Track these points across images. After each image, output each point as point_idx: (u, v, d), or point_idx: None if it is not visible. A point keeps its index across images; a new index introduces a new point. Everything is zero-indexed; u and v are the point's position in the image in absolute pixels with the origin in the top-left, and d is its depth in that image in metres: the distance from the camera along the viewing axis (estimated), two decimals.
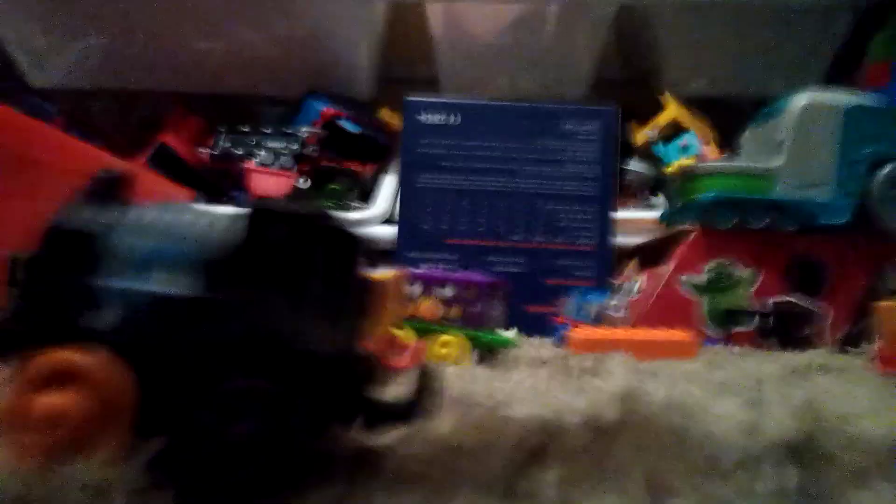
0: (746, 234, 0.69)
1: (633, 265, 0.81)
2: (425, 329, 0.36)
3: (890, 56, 0.81)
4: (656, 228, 0.81)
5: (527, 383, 0.28)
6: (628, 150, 1.00)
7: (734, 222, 0.68)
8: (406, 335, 0.35)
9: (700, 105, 1.03)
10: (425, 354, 0.34)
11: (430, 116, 0.78)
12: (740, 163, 0.72)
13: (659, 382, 0.29)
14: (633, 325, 0.68)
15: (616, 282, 0.78)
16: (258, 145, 0.92)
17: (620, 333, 0.45)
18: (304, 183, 0.91)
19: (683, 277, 0.70)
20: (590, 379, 0.30)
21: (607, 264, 0.76)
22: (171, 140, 0.92)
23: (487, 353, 0.35)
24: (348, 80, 1.03)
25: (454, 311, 0.36)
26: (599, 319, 0.54)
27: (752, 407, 0.25)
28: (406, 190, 0.77)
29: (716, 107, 1.02)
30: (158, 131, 0.94)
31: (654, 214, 0.88)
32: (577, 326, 0.49)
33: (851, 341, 0.71)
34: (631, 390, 0.23)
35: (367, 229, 0.89)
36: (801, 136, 0.70)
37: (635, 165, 0.98)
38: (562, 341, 0.49)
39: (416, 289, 0.36)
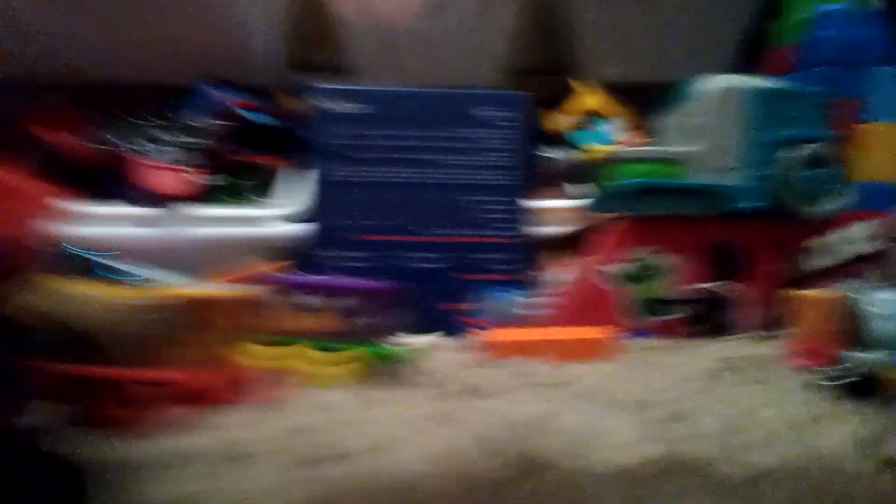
0: (667, 221, 0.67)
1: (552, 258, 0.78)
2: (318, 346, 0.31)
3: (792, 40, 0.82)
4: (576, 218, 0.79)
5: (394, 419, 0.23)
6: (544, 138, 0.98)
7: (654, 209, 0.67)
8: (269, 357, 0.30)
9: (619, 91, 1.02)
10: (277, 384, 0.29)
11: (338, 104, 0.72)
12: (659, 149, 0.70)
13: (553, 409, 0.25)
14: (555, 321, 0.64)
15: (535, 276, 0.75)
16: (151, 138, 0.84)
17: (536, 334, 0.42)
18: (204, 178, 0.83)
19: (605, 268, 0.67)
20: (477, 405, 0.26)
21: (525, 257, 0.73)
22: (45, 133, 0.82)
23: (386, 367, 0.31)
24: (246, 66, 0.95)
25: (350, 324, 0.31)
26: (516, 317, 0.51)
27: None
28: (317, 184, 0.71)
29: (634, 93, 1.01)
30: (31, 124, 0.84)
31: (572, 204, 0.85)
32: (489, 327, 0.45)
33: (772, 325, 0.70)
34: (515, 439, 0.20)
35: (269, 225, 0.82)
36: (714, 120, 0.69)
37: (552, 153, 0.95)
38: (472, 344, 0.45)
39: (313, 300, 0.31)
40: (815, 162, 0.68)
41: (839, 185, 0.67)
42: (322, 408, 0.25)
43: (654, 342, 0.52)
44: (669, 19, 0.97)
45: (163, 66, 0.95)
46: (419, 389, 0.28)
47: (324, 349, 0.31)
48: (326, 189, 0.71)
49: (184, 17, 0.90)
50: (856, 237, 0.61)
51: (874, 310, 0.29)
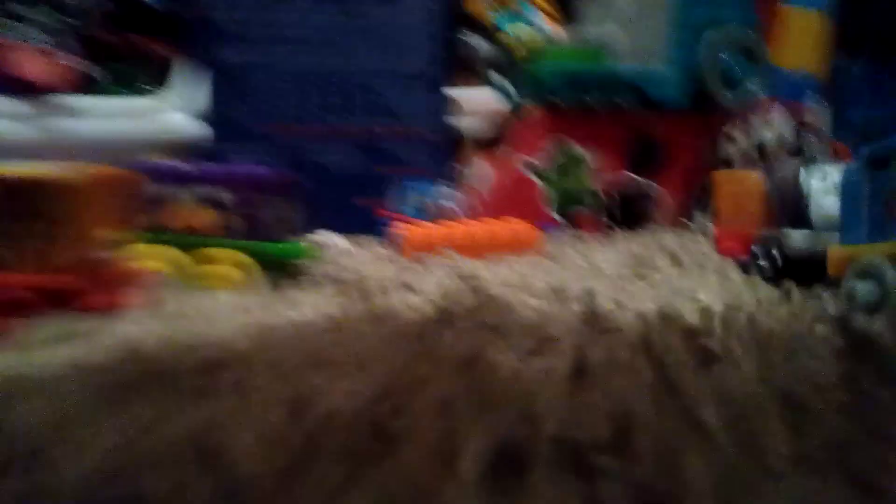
0: (587, 112, 0.64)
1: (471, 151, 0.75)
2: (192, 244, 0.26)
3: None
4: (496, 110, 0.75)
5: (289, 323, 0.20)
6: (464, 22, 0.91)
7: (575, 99, 0.63)
8: (156, 256, 0.26)
9: None
10: (150, 284, 0.25)
11: None
12: (579, 35, 0.66)
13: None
14: (476, 216, 0.62)
15: (455, 170, 0.72)
16: (16, 16, 0.72)
17: (455, 229, 0.39)
18: (81, 64, 0.73)
19: (524, 161, 0.65)
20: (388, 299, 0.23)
21: (443, 150, 0.69)
22: None
23: (282, 270, 0.27)
24: None
25: (235, 220, 0.26)
26: (433, 213, 0.47)
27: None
28: (211, 69, 0.64)
29: None
30: None
31: (493, 95, 0.81)
32: (405, 222, 0.42)
33: (690, 218, 0.70)
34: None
35: (163, 119, 0.74)
36: (637, 3, 0.65)
37: (472, 40, 0.89)
38: (389, 240, 0.42)
39: (184, 193, 0.26)
40: (738, 45, 0.66)
41: (761, 71, 0.66)
42: (200, 314, 0.21)
43: (575, 236, 0.50)
44: None
45: None
46: (322, 291, 0.24)
47: (198, 247, 0.26)
48: (222, 75, 0.63)
49: None
50: (775, 124, 0.61)
51: (819, 185, 0.27)
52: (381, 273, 0.29)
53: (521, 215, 0.50)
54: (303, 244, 0.28)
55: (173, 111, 0.72)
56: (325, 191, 0.66)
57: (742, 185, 0.32)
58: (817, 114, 0.65)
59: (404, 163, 0.66)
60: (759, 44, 0.66)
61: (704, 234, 0.50)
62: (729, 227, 0.33)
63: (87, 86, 0.75)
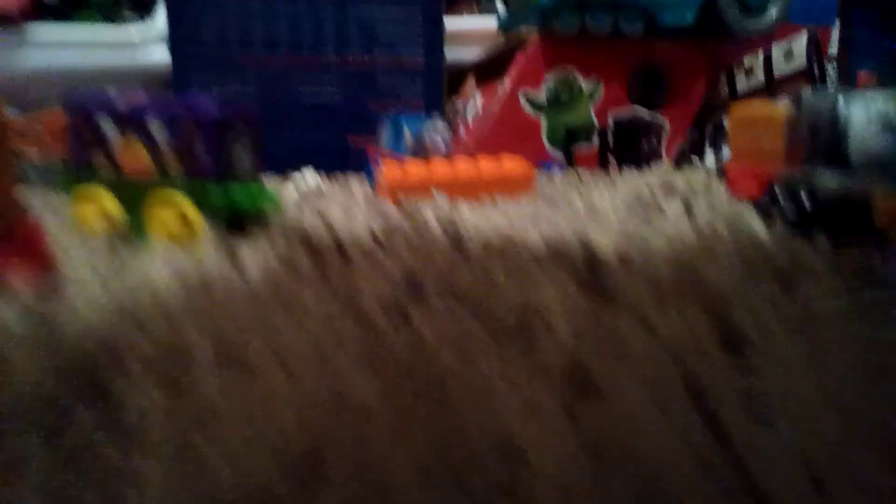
0: (587, 41, 0.59)
1: (468, 82, 0.70)
2: (127, 188, 0.22)
3: None
4: (493, 39, 0.69)
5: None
6: None
7: (576, 25, 0.58)
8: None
9: None
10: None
11: None
12: None
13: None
14: (467, 153, 0.58)
15: (449, 103, 0.67)
16: None
17: (441, 168, 0.35)
18: None
19: (522, 93, 0.60)
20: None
21: (437, 82, 0.64)
22: None
23: (234, 217, 0.23)
24: None
25: (170, 160, 0.22)
26: (425, 149, 0.43)
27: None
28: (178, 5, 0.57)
29: None
30: None
31: (490, 22, 0.75)
32: (389, 160, 0.38)
33: (688, 153, 0.66)
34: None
35: (143, 52, 0.69)
36: None
37: None
38: (378, 182, 0.38)
39: (108, 129, 0.22)
40: None
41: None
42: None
43: (576, 174, 0.46)
44: None
45: None
46: (271, 244, 0.21)
47: (135, 191, 0.23)
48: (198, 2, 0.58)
49: None
50: (794, 52, 0.55)
51: (861, 116, 0.23)
52: (346, 222, 0.25)
53: (518, 151, 0.46)
54: (256, 188, 0.24)
55: (154, 43, 0.67)
56: (313, 127, 0.61)
57: (763, 116, 0.28)
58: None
59: (397, 96, 0.61)
60: None
61: (716, 172, 0.46)
62: (745, 165, 0.29)
63: (64, 14, 0.70)
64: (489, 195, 0.32)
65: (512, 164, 0.36)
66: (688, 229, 0.22)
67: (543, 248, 0.18)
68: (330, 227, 0.22)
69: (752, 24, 0.60)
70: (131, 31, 0.69)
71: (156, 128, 0.21)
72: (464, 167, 0.35)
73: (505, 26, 0.68)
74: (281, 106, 0.58)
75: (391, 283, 0.16)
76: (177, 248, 0.20)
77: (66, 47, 0.67)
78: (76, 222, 0.22)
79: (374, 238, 0.21)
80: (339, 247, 0.20)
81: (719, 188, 0.32)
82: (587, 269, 0.17)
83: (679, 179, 0.38)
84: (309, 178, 0.42)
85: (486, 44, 0.69)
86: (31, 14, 0.64)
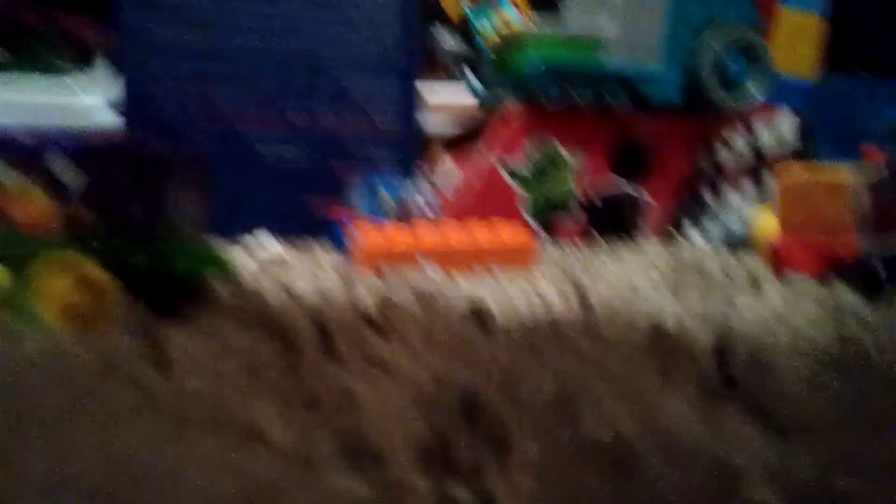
0: (571, 112, 0.56)
1: (442, 150, 0.65)
2: (16, 247, 0.16)
3: None
4: (468, 106, 0.66)
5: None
6: (435, 15, 0.83)
7: (560, 97, 0.55)
8: None
9: None
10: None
11: None
12: (566, 28, 0.59)
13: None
14: (450, 220, 0.53)
15: (423, 171, 0.63)
16: None
17: (429, 236, 0.29)
18: None
19: (500, 161, 0.56)
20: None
21: (410, 148, 0.59)
22: None
23: (170, 293, 0.16)
24: None
25: (82, 211, 0.15)
26: (400, 214, 0.38)
27: None
28: (131, 50, 0.51)
29: None
30: None
31: (465, 90, 0.72)
32: (362, 224, 0.32)
33: (677, 226, 0.63)
34: None
35: (71, 103, 0.62)
36: None
37: (443, 35, 0.80)
38: (345, 248, 0.32)
39: (6, 173, 0.16)
40: (739, 44, 0.59)
41: (763, 75, 0.59)
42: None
43: (569, 248, 0.41)
44: None
45: None
46: (221, 328, 0.14)
47: (27, 252, 0.16)
48: (148, 56, 0.51)
49: None
50: (783, 131, 0.53)
51: None
52: (317, 295, 0.19)
53: (495, 221, 0.40)
54: (200, 249, 0.17)
55: (86, 95, 0.61)
56: (273, 188, 0.55)
57: (824, 183, 0.23)
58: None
59: (366, 159, 0.55)
60: (761, 44, 0.59)
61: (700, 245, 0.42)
62: (799, 238, 0.24)
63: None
64: (486, 266, 0.27)
65: (510, 232, 0.30)
66: (784, 310, 0.16)
67: (642, 336, 0.12)
68: (305, 305, 0.16)
69: (732, 100, 0.58)
70: (54, 82, 0.62)
71: (63, 167, 0.15)
72: (456, 234, 0.29)
73: (485, 98, 0.66)
74: (236, 164, 0.52)
75: (415, 395, 0.10)
76: (68, 331, 0.13)
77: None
78: None
79: (369, 320, 0.15)
80: (322, 332, 0.13)
81: (757, 264, 0.28)
82: (695, 360, 0.11)
83: (695, 255, 0.33)
84: (267, 242, 0.36)
85: (459, 110, 0.66)
86: None
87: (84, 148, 0.15)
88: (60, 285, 0.14)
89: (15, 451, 0.08)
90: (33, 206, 0.16)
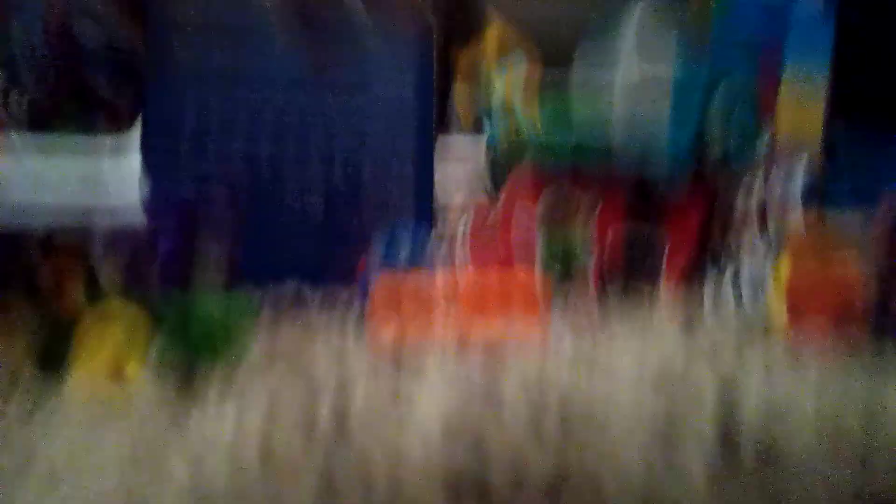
0: (588, 170, 0.58)
1: (461, 197, 0.67)
2: (51, 324, 0.16)
3: None
4: (486, 163, 0.68)
5: None
6: (451, 75, 0.86)
7: (570, 166, 0.57)
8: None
9: (526, 28, 0.91)
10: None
11: (187, 13, 0.54)
12: (576, 88, 0.61)
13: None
14: (463, 268, 0.54)
15: (442, 218, 0.64)
16: None
17: (445, 284, 0.30)
18: (18, 103, 0.64)
19: (517, 210, 0.57)
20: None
21: (429, 199, 0.60)
22: None
23: (201, 334, 0.17)
24: None
25: (114, 273, 0.16)
26: (418, 262, 0.38)
27: None
28: (155, 107, 0.54)
29: (542, 30, 0.91)
30: None
31: (481, 148, 0.75)
32: (387, 273, 0.33)
33: (694, 276, 0.63)
34: None
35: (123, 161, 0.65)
36: (638, 53, 0.60)
37: (459, 91, 0.83)
38: (367, 297, 0.33)
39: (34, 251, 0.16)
40: (749, 106, 0.61)
41: (768, 131, 0.61)
42: None
43: (582, 291, 0.42)
44: None
45: None
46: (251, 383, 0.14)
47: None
48: (171, 113, 0.53)
49: None
50: (792, 182, 0.54)
51: None
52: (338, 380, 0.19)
53: (513, 267, 0.41)
54: (230, 300, 0.18)
55: (122, 158, 0.64)
56: (295, 238, 0.57)
57: (829, 237, 0.24)
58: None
59: (389, 210, 0.57)
60: (767, 105, 0.62)
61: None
62: (809, 289, 0.25)
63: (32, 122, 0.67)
64: (503, 313, 0.27)
65: (525, 279, 0.31)
66: (794, 390, 0.16)
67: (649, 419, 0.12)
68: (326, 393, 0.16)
69: (744, 156, 0.60)
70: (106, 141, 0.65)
71: (99, 234, 0.16)
72: (473, 282, 0.30)
73: (499, 153, 0.68)
74: (263, 214, 0.54)
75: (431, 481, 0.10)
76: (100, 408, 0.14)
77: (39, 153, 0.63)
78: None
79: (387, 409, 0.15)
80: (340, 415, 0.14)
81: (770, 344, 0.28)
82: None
83: (700, 330, 0.33)
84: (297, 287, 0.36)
85: (478, 163, 0.68)
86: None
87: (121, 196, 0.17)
88: (103, 333, 0.15)
89: None
90: (67, 280, 0.17)
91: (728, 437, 0.11)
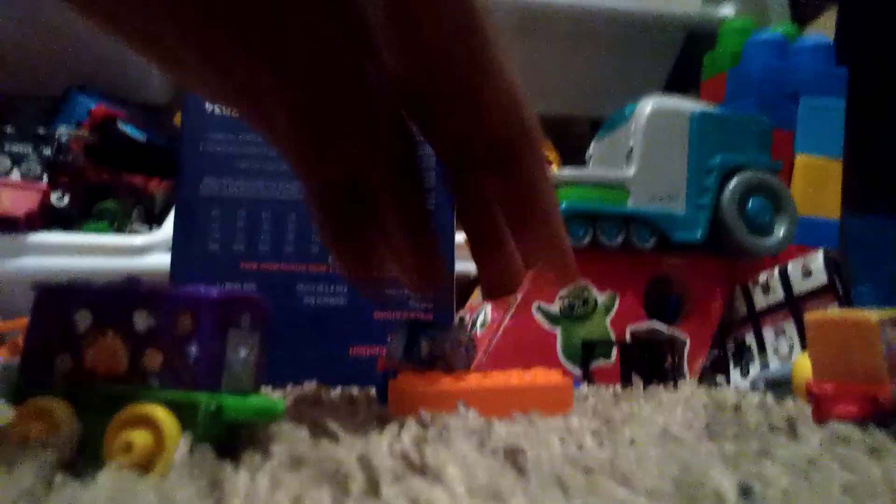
0: (601, 253, 0.58)
1: (475, 295, 0.67)
2: (87, 396, 0.17)
3: (723, 68, 0.77)
4: None
5: None
6: None
7: (588, 238, 0.57)
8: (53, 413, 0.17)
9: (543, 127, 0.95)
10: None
11: (219, 107, 0.58)
12: (591, 172, 0.62)
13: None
14: (479, 366, 0.54)
15: (460, 315, 0.64)
16: None
17: (465, 381, 0.30)
18: (60, 199, 0.67)
19: (536, 305, 0.57)
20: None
21: (448, 293, 0.61)
22: None
23: (224, 435, 0.17)
24: (137, 81, 0.81)
25: (151, 359, 0.17)
26: (441, 361, 0.39)
27: None
28: (185, 200, 0.55)
29: (555, 128, 0.94)
30: None
31: None
32: (403, 372, 0.33)
33: (714, 370, 0.62)
34: None
35: (152, 257, 0.67)
36: (650, 143, 0.61)
37: None
38: (386, 394, 0.33)
39: (81, 322, 0.18)
40: (762, 191, 0.61)
41: (789, 217, 0.61)
42: None
43: (607, 390, 0.41)
44: (595, 53, 0.91)
45: (34, 75, 0.80)
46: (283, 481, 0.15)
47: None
48: (199, 206, 0.55)
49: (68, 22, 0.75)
50: (812, 269, 0.54)
51: None
52: (361, 440, 0.19)
53: (533, 365, 0.41)
54: (261, 402, 0.18)
55: (159, 250, 0.66)
56: (313, 335, 0.57)
57: (851, 325, 0.24)
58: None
59: (406, 306, 0.57)
60: (783, 188, 0.62)
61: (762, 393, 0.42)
62: (836, 382, 0.24)
63: (72, 221, 0.70)
64: (523, 409, 0.27)
65: (547, 375, 0.31)
66: (819, 454, 0.16)
67: (670, 479, 0.12)
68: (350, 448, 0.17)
69: (761, 244, 0.60)
70: (137, 238, 0.68)
71: (141, 318, 0.17)
72: (493, 378, 0.30)
73: None
74: (281, 312, 0.55)
75: None
76: (133, 474, 0.14)
77: (68, 252, 0.66)
78: (10, 447, 0.16)
79: (410, 463, 0.15)
80: (368, 474, 0.14)
81: (796, 407, 0.27)
82: None
83: (723, 396, 0.33)
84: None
85: None
86: (37, 220, 0.63)
87: (160, 297, 0.17)
88: (130, 434, 0.16)
89: None
90: (110, 355, 0.17)
91: (747, 495, 0.11)
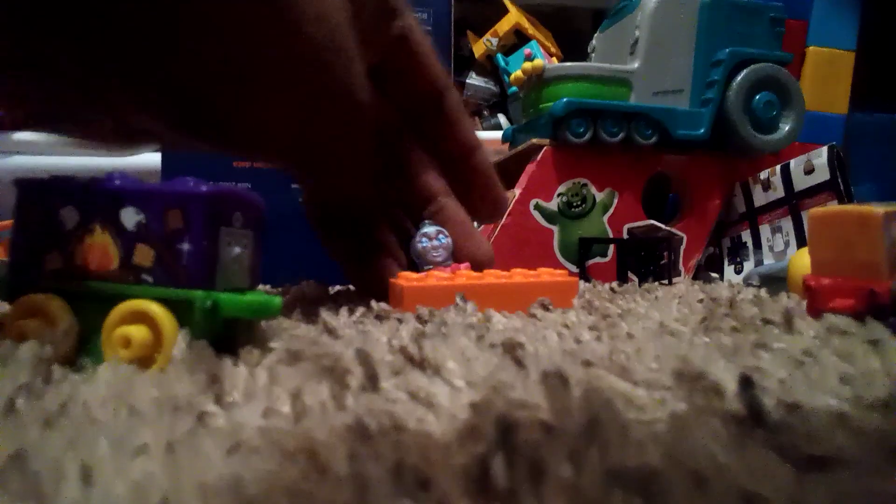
0: (601, 150, 0.57)
1: None
2: (79, 293, 0.17)
3: None
4: (502, 150, 0.67)
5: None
6: (467, 63, 0.85)
7: (588, 134, 0.56)
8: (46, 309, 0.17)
9: (539, 16, 0.90)
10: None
11: None
12: (593, 65, 0.59)
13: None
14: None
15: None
16: None
17: (465, 278, 0.30)
18: None
19: (534, 203, 0.57)
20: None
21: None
22: None
23: (221, 333, 0.17)
24: None
25: (141, 255, 0.17)
26: (438, 260, 0.39)
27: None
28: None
29: (556, 18, 0.90)
30: None
31: (498, 135, 0.74)
32: (405, 270, 0.33)
33: (705, 268, 0.63)
34: None
35: (142, 155, 0.66)
36: (656, 34, 0.58)
37: (475, 80, 0.83)
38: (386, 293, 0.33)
39: (69, 219, 0.17)
40: (769, 86, 0.59)
41: (796, 114, 0.59)
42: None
43: (603, 287, 0.42)
44: None
45: None
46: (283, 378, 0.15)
47: (102, 301, 0.17)
48: None
49: None
50: (815, 166, 0.53)
51: None
52: (360, 335, 0.19)
53: (530, 262, 0.41)
54: (257, 299, 0.18)
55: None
56: (309, 235, 0.57)
57: (853, 220, 0.24)
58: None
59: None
60: (792, 83, 0.60)
61: (754, 286, 0.42)
62: (833, 277, 0.24)
63: None
64: (524, 306, 0.27)
65: (549, 272, 0.31)
66: (815, 346, 0.16)
67: (669, 371, 0.13)
68: (349, 344, 0.17)
69: (765, 141, 0.59)
70: None
71: (129, 215, 0.16)
72: (494, 275, 0.30)
73: (511, 137, 0.67)
74: (276, 211, 0.54)
75: (457, 428, 0.10)
76: (134, 370, 0.14)
77: (53, 150, 0.64)
78: (11, 342, 0.16)
79: (410, 358, 0.15)
80: (367, 369, 0.14)
81: (791, 302, 0.28)
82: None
83: (731, 293, 0.33)
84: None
85: (493, 155, 0.67)
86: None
87: (149, 193, 0.17)
88: (128, 329, 0.16)
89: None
90: (102, 252, 0.17)
91: (746, 386, 0.11)
